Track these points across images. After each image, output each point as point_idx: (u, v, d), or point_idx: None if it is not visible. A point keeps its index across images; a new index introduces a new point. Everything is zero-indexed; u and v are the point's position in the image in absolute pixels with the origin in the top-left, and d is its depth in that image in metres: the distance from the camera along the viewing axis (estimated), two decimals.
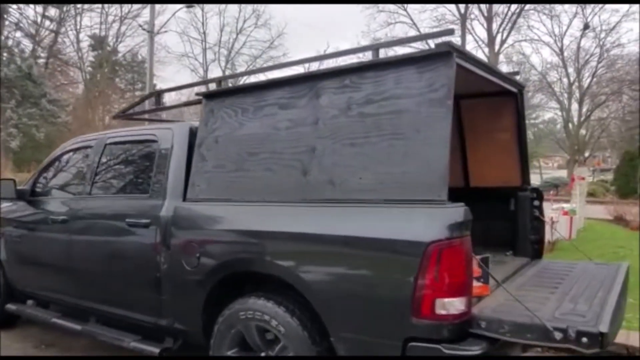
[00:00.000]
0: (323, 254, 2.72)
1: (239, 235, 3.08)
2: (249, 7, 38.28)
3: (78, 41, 34.51)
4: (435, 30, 17.30)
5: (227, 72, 37.54)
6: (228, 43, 39.39)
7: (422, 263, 2.36)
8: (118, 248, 3.74)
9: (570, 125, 29.12)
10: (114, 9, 34.98)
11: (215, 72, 38.03)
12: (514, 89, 3.82)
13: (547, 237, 8.37)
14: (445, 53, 2.56)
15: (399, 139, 2.64)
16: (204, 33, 38.80)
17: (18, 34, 24.58)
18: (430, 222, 2.42)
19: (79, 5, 32.49)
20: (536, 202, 4.03)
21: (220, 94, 3.50)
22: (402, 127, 2.65)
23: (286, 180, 3.00)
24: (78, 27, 34.18)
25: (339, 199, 2.76)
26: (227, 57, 39.13)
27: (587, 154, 33.39)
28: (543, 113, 37.09)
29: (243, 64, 38.43)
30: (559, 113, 31.69)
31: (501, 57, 21.27)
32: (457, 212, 2.43)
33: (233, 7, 38.37)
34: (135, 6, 35.30)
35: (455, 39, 17.54)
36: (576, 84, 27.79)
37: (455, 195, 4.37)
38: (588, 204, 14.51)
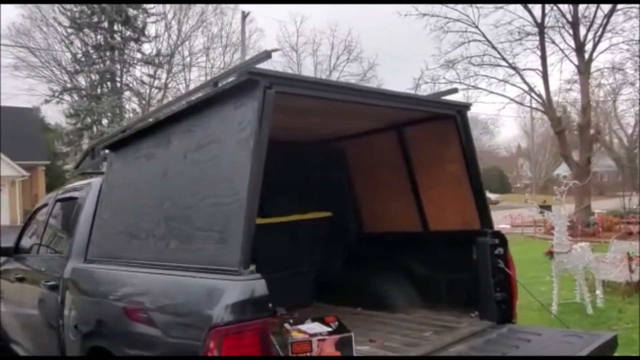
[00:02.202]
0: (136, 327, 2.34)
1: (95, 303, 2.81)
2: (341, 44, 39.29)
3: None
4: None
5: None
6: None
7: (205, 353, 1.86)
8: (38, 309, 3.67)
9: None
10: (219, 62, 37.94)
11: None
12: (447, 112, 3.11)
13: (626, 277, 6.88)
14: (250, 82, 2.09)
15: (212, 191, 2.21)
16: (299, 73, 40.34)
17: (128, 93, 27.63)
18: (215, 300, 1.92)
19: (187, 61, 35.73)
20: (499, 250, 3.19)
21: (117, 145, 3.32)
22: (216, 177, 2.22)
23: (143, 240, 2.69)
24: (187, 79, 37.60)
25: (172, 262, 2.36)
26: None
27: None
28: None
29: None
30: None
31: (596, 64, 18.50)
32: (248, 286, 1.90)
33: (326, 46, 39.51)
34: (235, 57, 38.06)
35: (534, 52, 15.84)
36: None
37: (413, 241, 3.70)
38: None
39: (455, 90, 3.37)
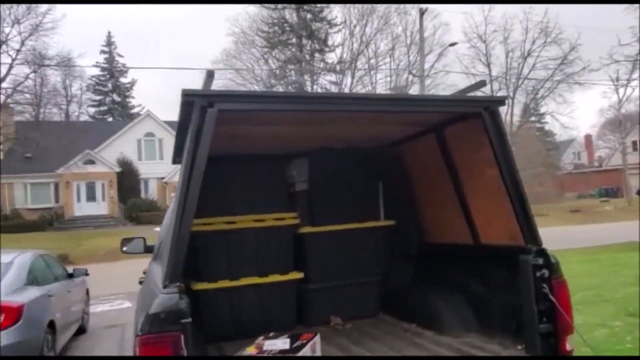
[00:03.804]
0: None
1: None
2: (537, 27, 35.67)
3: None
4: None
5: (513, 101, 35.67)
6: (515, 69, 37.33)
7: None
8: None
9: None
10: (404, 61, 38.10)
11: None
12: (472, 110, 2.68)
13: None
14: (187, 104, 2.21)
15: (174, 209, 2.39)
16: (489, 65, 37.88)
17: None
18: (145, 311, 2.09)
19: (371, 63, 36.80)
20: (543, 272, 2.63)
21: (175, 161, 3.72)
22: (177, 196, 2.39)
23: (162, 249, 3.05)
24: (373, 81, 38.75)
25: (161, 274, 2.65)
26: (515, 84, 36.95)
27: None
28: None
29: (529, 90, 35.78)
30: None
31: None
32: (163, 301, 2.02)
33: (518, 32, 36.38)
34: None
35: None
36: None
37: (467, 255, 3.32)
38: None
39: (482, 84, 2.87)
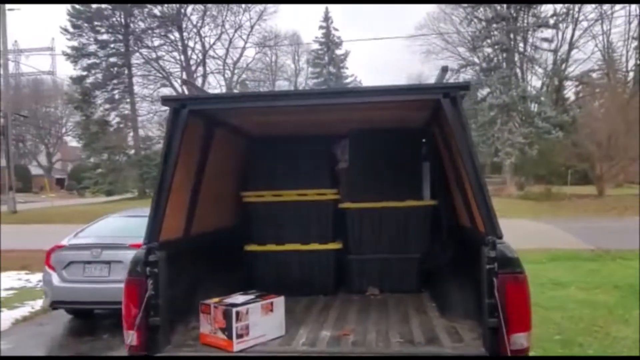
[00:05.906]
0: None
1: None
2: None
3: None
4: None
5: None
6: None
7: None
8: None
9: None
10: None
11: None
12: (427, 97, 2.64)
13: None
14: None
15: None
16: None
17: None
18: None
19: (604, 8, 31.33)
20: (494, 266, 2.54)
21: None
22: None
23: None
24: (606, 29, 33.05)
25: None
26: None
27: None
28: None
29: None
30: None
31: None
32: (135, 255, 2.74)
33: None
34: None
35: None
36: None
37: (473, 241, 3.33)
38: None
39: (445, 70, 2.68)
